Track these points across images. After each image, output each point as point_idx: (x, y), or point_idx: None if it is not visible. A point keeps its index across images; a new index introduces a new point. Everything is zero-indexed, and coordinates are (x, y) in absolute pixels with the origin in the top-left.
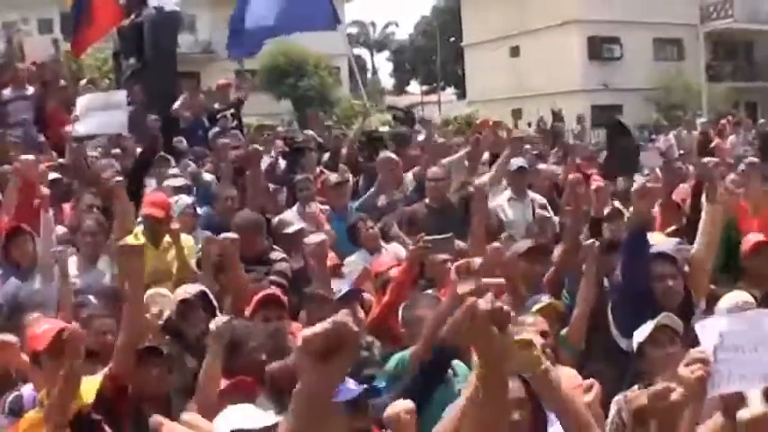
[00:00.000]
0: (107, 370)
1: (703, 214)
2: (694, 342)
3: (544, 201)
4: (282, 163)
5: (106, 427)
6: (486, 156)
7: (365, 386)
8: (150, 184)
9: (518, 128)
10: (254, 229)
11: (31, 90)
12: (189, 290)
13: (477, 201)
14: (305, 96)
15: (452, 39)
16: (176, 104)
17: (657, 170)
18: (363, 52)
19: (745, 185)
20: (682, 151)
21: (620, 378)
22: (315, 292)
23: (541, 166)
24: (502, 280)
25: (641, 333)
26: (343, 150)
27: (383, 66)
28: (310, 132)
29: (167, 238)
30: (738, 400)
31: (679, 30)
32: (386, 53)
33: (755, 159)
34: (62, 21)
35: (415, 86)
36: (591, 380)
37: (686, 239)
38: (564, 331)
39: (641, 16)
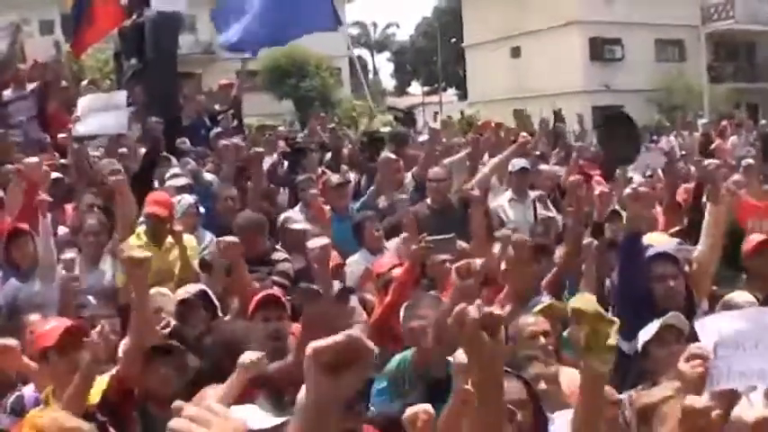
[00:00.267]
0: (113, 371)
1: (707, 215)
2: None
3: (543, 194)
4: (284, 163)
5: (111, 429)
6: (486, 157)
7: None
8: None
9: (522, 124)
10: (256, 229)
11: (32, 89)
12: (189, 289)
13: (476, 202)
14: (306, 97)
15: (453, 40)
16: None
17: (660, 171)
18: (364, 53)
19: (745, 187)
20: (683, 152)
21: (620, 381)
22: (307, 287)
23: (543, 166)
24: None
25: (647, 332)
26: (345, 151)
27: (384, 66)
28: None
29: (170, 239)
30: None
31: (680, 31)
32: (387, 54)
33: (752, 161)
34: (63, 22)
35: (416, 87)
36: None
37: (688, 240)
38: (566, 332)
39: (643, 17)
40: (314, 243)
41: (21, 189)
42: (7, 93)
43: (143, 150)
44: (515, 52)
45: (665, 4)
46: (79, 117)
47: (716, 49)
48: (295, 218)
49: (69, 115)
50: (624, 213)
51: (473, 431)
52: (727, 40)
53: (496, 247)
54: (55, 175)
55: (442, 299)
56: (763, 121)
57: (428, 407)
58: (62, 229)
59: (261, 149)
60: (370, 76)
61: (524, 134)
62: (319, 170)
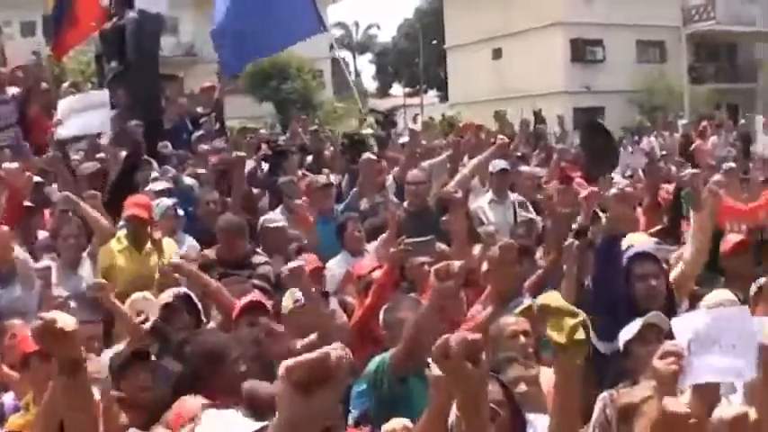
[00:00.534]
0: None
1: (692, 221)
2: None
3: (523, 200)
4: (265, 166)
5: None
6: (466, 159)
7: None
8: None
9: (503, 126)
10: (236, 232)
11: (13, 93)
12: (172, 293)
13: (457, 204)
14: (287, 99)
15: (435, 41)
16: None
17: (640, 172)
18: (346, 54)
19: (726, 188)
20: (664, 152)
21: (598, 382)
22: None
23: (523, 168)
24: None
25: (629, 331)
26: (327, 153)
27: (365, 68)
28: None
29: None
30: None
31: (662, 32)
32: (368, 56)
33: (733, 165)
34: (44, 24)
35: (397, 89)
36: None
37: (669, 240)
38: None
39: (624, 19)
40: (288, 267)
41: (3, 194)
42: None
43: (124, 154)
44: (497, 54)
45: (647, 5)
46: (61, 120)
47: (697, 50)
48: (275, 218)
49: (50, 119)
50: (603, 215)
51: None
52: (708, 41)
53: (477, 249)
54: (36, 179)
55: (421, 301)
56: (742, 121)
57: (407, 422)
58: (42, 234)
59: (243, 153)
60: (352, 77)
61: (502, 136)
62: (300, 172)
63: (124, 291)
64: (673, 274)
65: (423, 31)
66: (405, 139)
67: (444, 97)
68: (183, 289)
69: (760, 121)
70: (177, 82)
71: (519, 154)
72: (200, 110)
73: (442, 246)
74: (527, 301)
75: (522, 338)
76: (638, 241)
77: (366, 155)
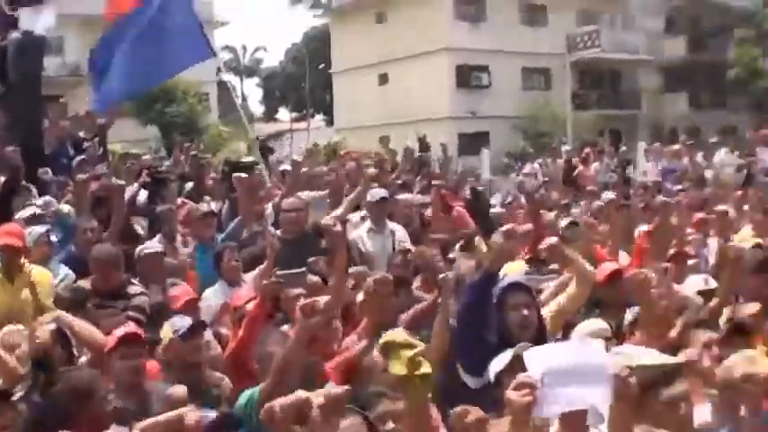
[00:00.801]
0: None
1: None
2: None
3: (404, 231)
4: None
5: None
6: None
7: (224, 413)
8: None
9: (387, 152)
10: (111, 263)
11: None
12: (45, 328)
13: (336, 236)
14: (172, 123)
15: (322, 65)
16: None
17: (523, 198)
18: (233, 78)
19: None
20: (546, 179)
21: None
22: None
23: (401, 195)
24: None
25: (500, 362)
26: (208, 181)
27: (252, 92)
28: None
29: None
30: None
31: (547, 59)
32: (255, 80)
33: (612, 195)
34: None
35: (284, 113)
36: None
37: (543, 266)
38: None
39: (510, 45)
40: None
41: None
42: None
43: (1, 179)
44: (383, 79)
45: (532, 32)
46: None
47: (581, 78)
48: (152, 246)
49: None
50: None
51: None
52: (593, 69)
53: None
54: None
55: (289, 335)
56: (623, 148)
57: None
58: None
59: (122, 182)
60: (239, 101)
61: (370, 170)
62: (180, 200)
63: None
64: (552, 307)
65: (310, 55)
66: (285, 166)
67: (331, 122)
68: (54, 324)
69: (642, 147)
70: (60, 104)
71: (400, 182)
72: (82, 134)
73: (314, 278)
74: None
75: None
76: (511, 270)
77: (237, 175)
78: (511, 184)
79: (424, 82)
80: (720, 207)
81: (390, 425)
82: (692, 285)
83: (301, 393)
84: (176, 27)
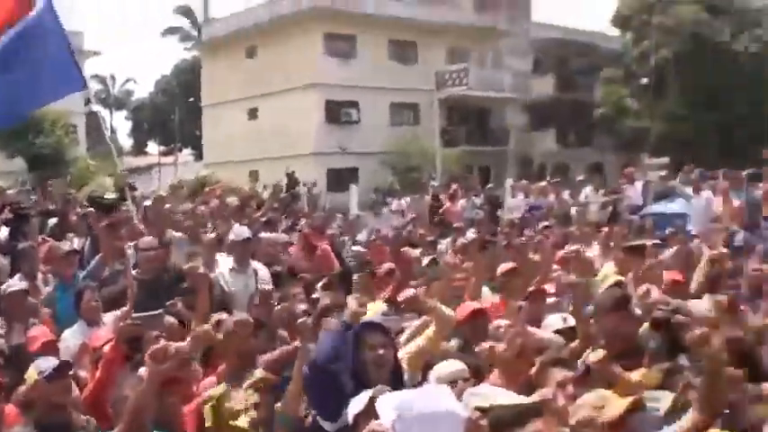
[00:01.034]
0: None
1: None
2: None
3: (266, 271)
4: (5, 230)
5: None
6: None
7: None
8: None
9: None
10: None
11: None
12: None
13: (199, 279)
14: (40, 155)
15: (192, 99)
16: None
17: (390, 233)
18: (102, 110)
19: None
20: (413, 215)
21: None
22: None
23: (265, 234)
24: None
25: (358, 404)
26: (73, 217)
27: (121, 125)
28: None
29: None
30: None
31: (416, 95)
32: (124, 112)
33: (474, 235)
34: None
35: (153, 147)
36: None
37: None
38: (278, 404)
39: (379, 81)
40: None
41: None
42: None
43: None
44: (252, 113)
45: (402, 69)
46: None
47: (450, 114)
48: (14, 284)
49: None
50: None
51: None
52: (461, 106)
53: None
54: None
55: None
56: (490, 185)
57: None
58: None
59: None
60: (107, 133)
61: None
62: (41, 237)
63: None
64: (412, 348)
65: (180, 88)
66: (148, 202)
67: (200, 156)
68: None
69: (509, 183)
70: None
71: (265, 219)
72: None
73: (171, 320)
74: (259, 374)
75: (252, 412)
76: (370, 311)
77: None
78: (378, 220)
79: (294, 117)
80: (575, 246)
81: None
82: (551, 324)
83: None
84: (49, 56)
